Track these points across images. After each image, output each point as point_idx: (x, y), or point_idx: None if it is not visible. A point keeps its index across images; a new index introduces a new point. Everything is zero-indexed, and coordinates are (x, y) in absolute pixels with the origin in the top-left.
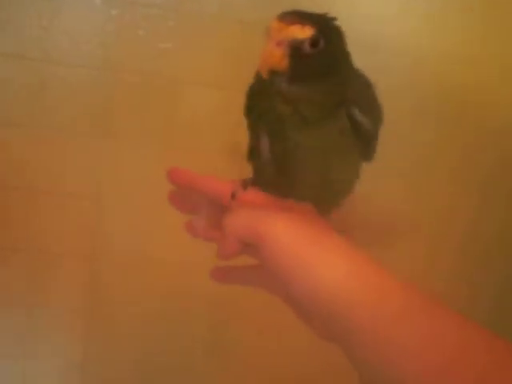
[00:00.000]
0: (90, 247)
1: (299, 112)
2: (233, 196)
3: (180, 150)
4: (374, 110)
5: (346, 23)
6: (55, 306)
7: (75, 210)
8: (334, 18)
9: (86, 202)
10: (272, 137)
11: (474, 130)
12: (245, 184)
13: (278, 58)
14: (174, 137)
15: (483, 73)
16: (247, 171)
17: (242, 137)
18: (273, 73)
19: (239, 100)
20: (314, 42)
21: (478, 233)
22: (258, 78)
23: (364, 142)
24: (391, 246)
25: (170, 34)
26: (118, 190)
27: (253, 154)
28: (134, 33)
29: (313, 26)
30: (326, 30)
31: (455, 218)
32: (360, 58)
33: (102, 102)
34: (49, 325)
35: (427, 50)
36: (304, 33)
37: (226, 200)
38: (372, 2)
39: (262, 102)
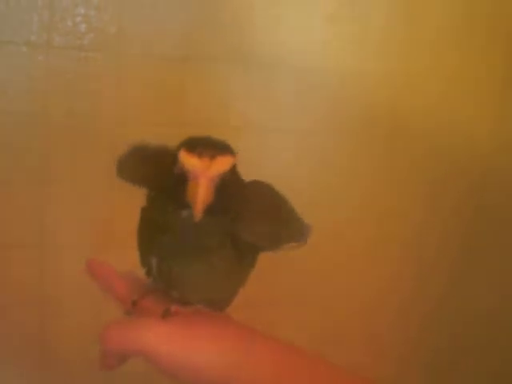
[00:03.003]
0: (37, 296)
1: (202, 241)
2: (133, 303)
3: (120, 190)
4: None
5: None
6: (5, 357)
7: (19, 261)
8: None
9: (30, 251)
10: (161, 259)
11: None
12: (144, 290)
13: (212, 193)
14: (113, 177)
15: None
16: None
17: None
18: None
19: (176, 134)
20: (233, 169)
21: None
22: (158, 206)
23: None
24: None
25: (99, 74)
26: (61, 236)
27: (143, 264)
28: (62, 76)
29: (230, 154)
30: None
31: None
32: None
33: (37, 148)
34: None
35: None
36: (228, 162)
37: (127, 306)
38: (297, 29)
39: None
